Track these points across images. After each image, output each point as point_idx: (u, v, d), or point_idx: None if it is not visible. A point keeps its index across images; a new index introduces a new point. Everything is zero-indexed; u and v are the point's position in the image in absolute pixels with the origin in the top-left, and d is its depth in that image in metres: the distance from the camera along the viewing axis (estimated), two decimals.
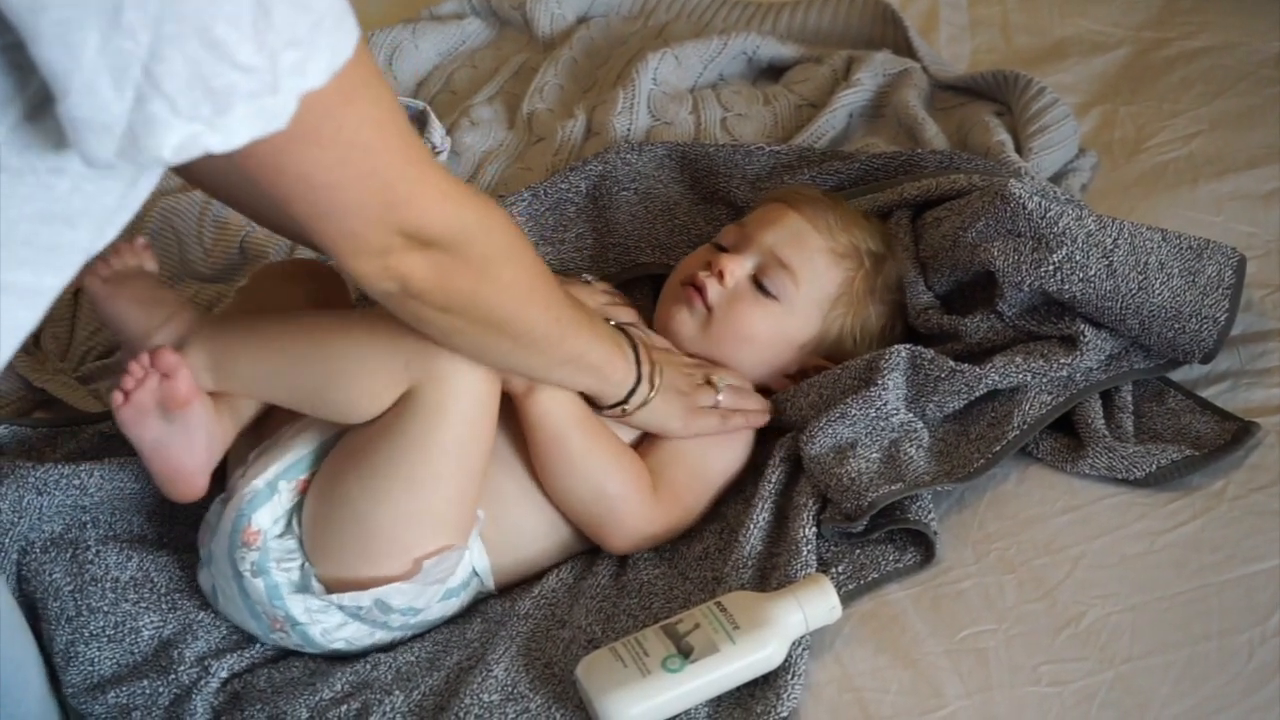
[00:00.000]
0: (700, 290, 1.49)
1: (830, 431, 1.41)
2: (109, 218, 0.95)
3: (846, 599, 1.30)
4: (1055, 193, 1.57)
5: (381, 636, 1.35)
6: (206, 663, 1.34)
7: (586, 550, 1.43)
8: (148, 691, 1.33)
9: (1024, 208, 1.44)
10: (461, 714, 1.25)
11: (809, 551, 1.33)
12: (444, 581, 1.33)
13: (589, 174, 1.74)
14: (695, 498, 1.43)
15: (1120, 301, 1.40)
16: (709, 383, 1.44)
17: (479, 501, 1.34)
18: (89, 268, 1.35)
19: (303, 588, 1.31)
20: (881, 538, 1.35)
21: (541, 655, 1.31)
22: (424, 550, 1.30)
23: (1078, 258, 1.40)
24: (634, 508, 1.38)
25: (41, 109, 0.87)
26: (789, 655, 1.25)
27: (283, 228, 1.41)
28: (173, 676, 1.33)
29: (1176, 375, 1.45)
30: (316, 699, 1.30)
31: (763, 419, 1.46)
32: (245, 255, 1.78)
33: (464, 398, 1.28)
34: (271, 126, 0.88)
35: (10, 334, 0.96)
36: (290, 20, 0.85)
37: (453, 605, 1.37)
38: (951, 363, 1.43)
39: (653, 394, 1.39)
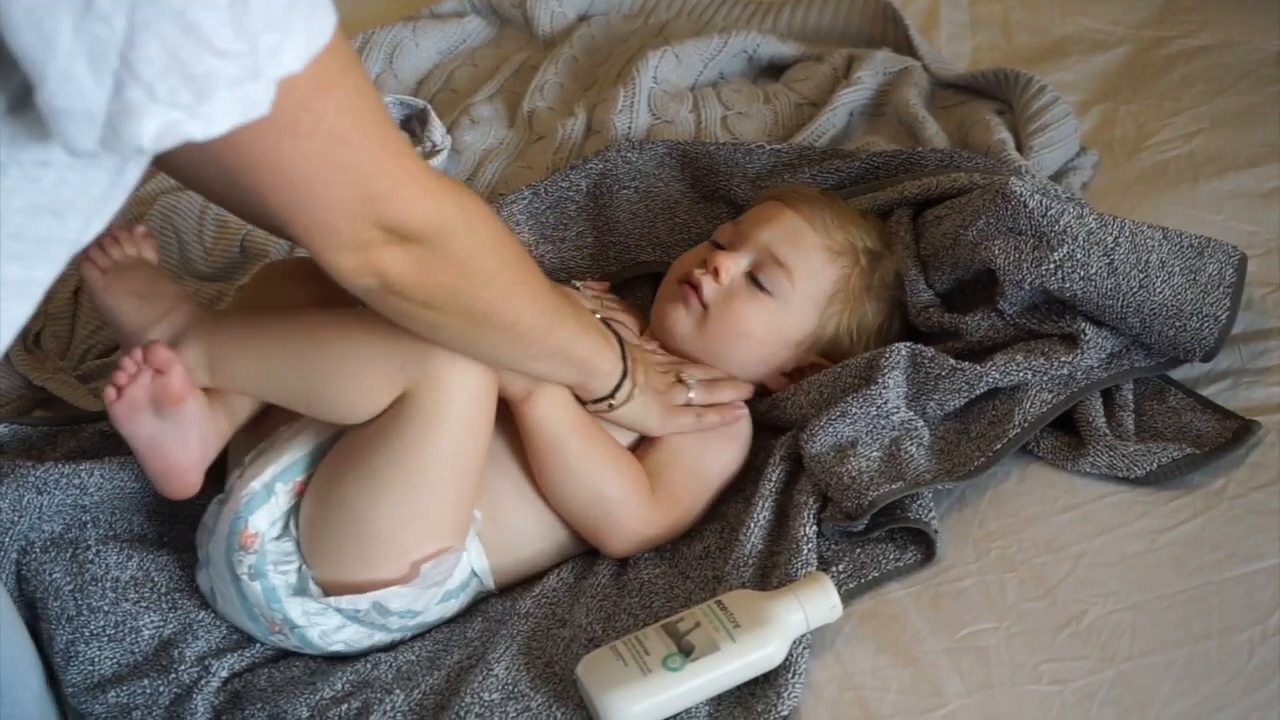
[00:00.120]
0: (696, 288, 1.49)
1: (830, 430, 1.41)
2: (96, 208, 0.94)
3: (847, 597, 1.30)
4: (1056, 191, 1.57)
5: (381, 638, 1.35)
6: (207, 662, 1.34)
7: (586, 551, 1.43)
8: (148, 691, 1.33)
9: (1025, 206, 1.44)
10: (462, 713, 1.25)
11: (809, 550, 1.33)
12: (442, 584, 1.33)
13: (589, 172, 1.74)
14: (693, 499, 1.42)
15: (1121, 300, 1.40)
16: (680, 381, 1.44)
17: (476, 503, 1.34)
18: (88, 257, 1.35)
19: (300, 590, 1.31)
20: (882, 536, 1.35)
21: (542, 654, 1.31)
22: (421, 552, 1.30)
23: (1079, 256, 1.40)
24: (632, 510, 1.38)
25: (24, 101, 0.86)
26: (790, 654, 1.25)
27: (265, 222, 1.40)
28: (173, 676, 1.33)
29: (1177, 373, 1.45)
30: (317, 698, 1.30)
31: (738, 414, 1.45)
32: (246, 254, 1.78)
33: (460, 399, 1.27)
34: (253, 114, 0.86)
35: (6, 328, 0.95)
36: (265, 2, 0.84)
37: (452, 607, 1.37)
38: (952, 361, 1.43)
39: (635, 390, 1.38)
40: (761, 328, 1.49)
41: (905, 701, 1.23)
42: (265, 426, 1.38)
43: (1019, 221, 1.44)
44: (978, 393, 1.42)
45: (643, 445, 1.44)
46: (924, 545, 1.34)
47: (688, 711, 1.24)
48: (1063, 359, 1.41)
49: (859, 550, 1.35)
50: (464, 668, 1.31)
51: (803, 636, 1.26)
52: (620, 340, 1.38)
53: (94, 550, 1.40)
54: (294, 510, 1.32)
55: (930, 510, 1.34)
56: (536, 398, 1.35)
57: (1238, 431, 1.37)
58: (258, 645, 1.37)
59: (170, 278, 1.40)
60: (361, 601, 1.30)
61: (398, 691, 1.29)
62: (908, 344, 1.45)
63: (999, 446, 1.38)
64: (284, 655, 1.37)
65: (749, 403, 1.50)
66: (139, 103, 0.83)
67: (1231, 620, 1.24)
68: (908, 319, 1.56)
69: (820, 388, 1.46)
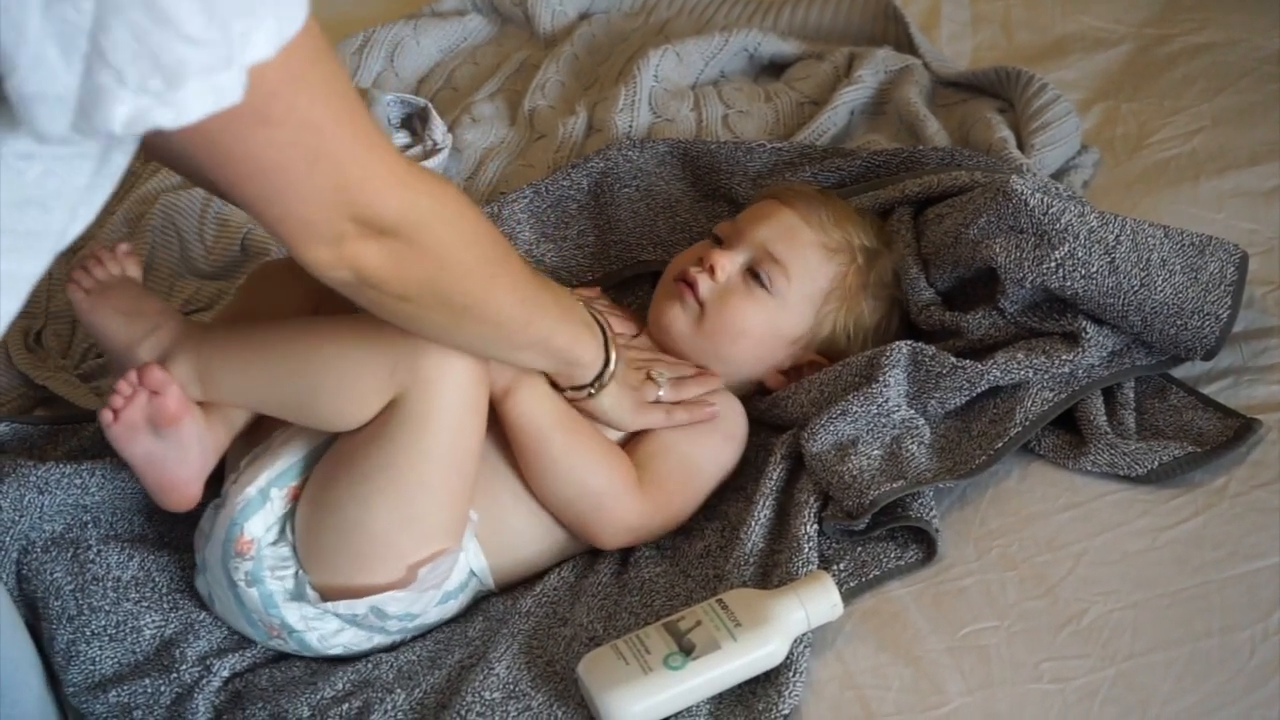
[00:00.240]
0: (692, 285, 1.49)
1: (831, 429, 1.41)
2: (82, 198, 0.93)
3: (848, 596, 1.30)
4: (1057, 189, 1.57)
5: (380, 640, 1.35)
6: (208, 661, 1.34)
7: (587, 550, 1.43)
8: (149, 690, 1.33)
9: (1026, 204, 1.44)
10: (463, 712, 1.25)
11: (810, 549, 1.33)
12: (439, 586, 1.33)
13: (590, 171, 1.74)
14: (682, 489, 1.42)
15: (1122, 298, 1.40)
16: (650, 378, 1.43)
17: (472, 504, 1.34)
18: (72, 279, 1.34)
19: (298, 596, 1.31)
20: (883, 535, 1.35)
21: (543, 653, 1.31)
22: (417, 556, 1.30)
23: (1080, 254, 1.40)
24: (619, 501, 1.37)
25: (4, 95, 0.85)
26: (790, 653, 1.25)
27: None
28: (174, 675, 1.33)
29: (1178, 372, 1.45)
30: (318, 697, 1.30)
31: (709, 412, 1.44)
32: (247, 252, 1.78)
33: (451, 401, 1.27)
34: (224, 103, 0.85)
35: None
36: None
37: (451, 608, 1.37)
38: (953, 359, 1.43)
39: (611, 381, 1.37)
40: (758, 325, 1.49)
41: (906, 700, 1.23)
42: (260, 431, 1.37)
43: (1020, 220, 1.44)
44: (979, 391, 1.42)
45: (632, 440, 1.43)
46: (925, 544, 1.34)
47: (689, 710, 1.24)
48: (1064, 357, 1.41)
49: (860, 549, 1.35)
50: (465, 667, 1.31)
51: (804, 635, 1.26)
52: (604, 328, 1.37)
53: (95, 550, 1.40)
54: (290, 515, 1.32)
55: (931, 509, 1.34)
56: (516, 394, 1.35)
57: (1239, 430, 1.37)
58: (258, 645, 1.37)
59: (154, 295, 1.39)
60: (359, 606, 1.30)
61: (399, 691, 1.29)
62: (908, 342, 1.45)
63: (1000, 445, 1.38)
64: (285, 655, 1.37)
65: (747, 402, 1.50)
66: (108, 88, 0.82)
67: (1233, 618, 1.24)
68: (908, 317, 1.56)
69: (821, 386, 1.46)
